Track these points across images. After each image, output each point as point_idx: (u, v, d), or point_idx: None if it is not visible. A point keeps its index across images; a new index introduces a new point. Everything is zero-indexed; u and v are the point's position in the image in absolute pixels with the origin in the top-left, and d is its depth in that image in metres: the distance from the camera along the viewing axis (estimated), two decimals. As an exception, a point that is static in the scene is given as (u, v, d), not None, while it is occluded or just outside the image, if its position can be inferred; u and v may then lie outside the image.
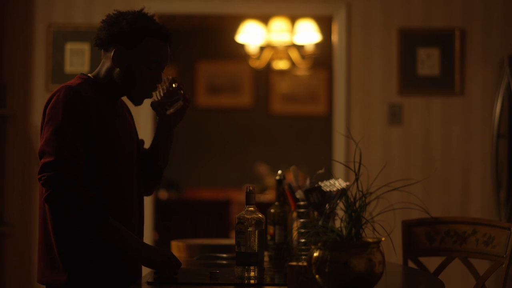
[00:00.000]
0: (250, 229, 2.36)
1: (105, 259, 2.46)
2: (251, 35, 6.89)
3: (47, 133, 2.40)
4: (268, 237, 2.91)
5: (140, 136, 2.83)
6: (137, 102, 2.56)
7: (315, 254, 1.95)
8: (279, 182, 2.95)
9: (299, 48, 7.19)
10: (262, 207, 3.35)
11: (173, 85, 2.59)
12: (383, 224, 2.15)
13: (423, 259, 3.05)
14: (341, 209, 2.00)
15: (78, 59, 4.92)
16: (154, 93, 2.58)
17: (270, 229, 2.91)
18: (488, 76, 5.02)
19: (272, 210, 2.93)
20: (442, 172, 5.02)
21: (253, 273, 2.36)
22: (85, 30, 4.95)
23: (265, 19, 6.97)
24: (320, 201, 2.76)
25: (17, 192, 5.01)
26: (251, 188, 2.42)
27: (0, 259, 4.99)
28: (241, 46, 7.18)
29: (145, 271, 2.59)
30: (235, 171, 9.21)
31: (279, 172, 2.98)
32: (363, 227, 1.97)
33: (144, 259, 2.42)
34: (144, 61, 2.51)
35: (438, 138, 5.05)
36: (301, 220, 2.79)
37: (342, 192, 2.00)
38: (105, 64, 2.55)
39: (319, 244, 1.94)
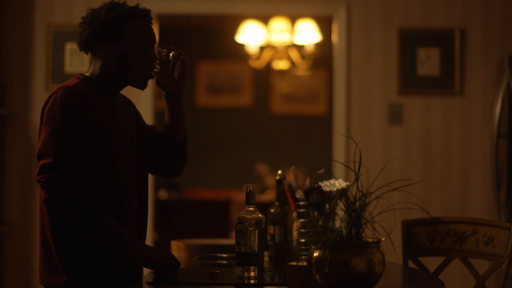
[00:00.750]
0: (250, 229, 2.36)
1: (105, 260, 2.46)
2: (251, 35, 6.90)
3: (45, 135, 2.40)
4: (268, 237, 2.91)
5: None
6: (141, 85, 2.57)
7: (315, 254, 1.95)
8: (279, 182, 2.95)
9: (299, 48, 7.19)
10: (262, 207, 3.35)
11: (163, 53, 2.59)
12: (383, 224, 2.15)
13: (423, 259, 3.05)
14: (341, 209, 2.00)
15: (78, 59, 4.92)
16: (154, 71, 2.59)
17: (270, 229, 2.91)
18: (488, 76, 5.02)
19: (272, 210, 2.93)
20: (442, 172, 5.02)
21: (253, 273, 2.36)
22: (85, 30, 4.95)
23: (265, 19, 6.97)
24: (320, 201, 2.75)
25: (17, 192, 5.01)
26: (251, 188, 2.42)
27: (0, 259, 4.99)
28: (241, 46, 7.18)
29: (145, 271, 2.59)
30: (235, 171, 9.21)
31: (279, 172, 2.98)
32: (363, 227, 1.97)
33: (144, 260, 2.41)
34: (135, 44, 2.51)
35: (438, 138, 5.05)
36: (301, 220, 2.79)
37: (342, 192, 2.00)
38: (97, 62, 2.56)
39: (319, 244, 1.94)
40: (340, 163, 4.92)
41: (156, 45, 2.60)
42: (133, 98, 2.93)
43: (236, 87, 9.40)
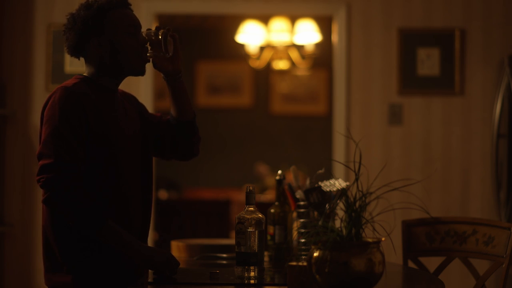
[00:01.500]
0: (250, 229, 2.36)
1: (109, 258, 2.46)
2: (251, 35, 6.89)
3: (44, 135, 2.41)
4: (268, 237, 2.91)
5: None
6: (139, 71, 2.57)
7: (315, 254, 1.95)
8: (279, 182, 2.95)
9: (299, 48, 7.19)
10: (262, 207, 3.35)
11: (152, 33, 2.58)
12: (383, 224, 2.15)
13: (423, 259, 3.05)
14: (341, 209, 2.00)
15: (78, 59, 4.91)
16: (148, 54, 2.59)
17: (270, 229, 2.91)
18: (488, 76, 5.02)
19: (272, 210, 2.93)
20: (442, 172, 5.02)
21: (253, 273, 2.36)
22: (85, 30, 4.95)
23: (265, 19, 6.96)
24: (320, 201, 2.75)
25: (17, 192, 5.01)
26: (251, 188, 2.42)
27: (0, 259, 4.99)
28: (241, 46, 7.18)
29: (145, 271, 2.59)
30: (235, 171, 9.21)
31: (279, 172, 2.98)
32: (363, 227, 1.97)
33: (144, 260, 2.41)
34: (122, 32, 2.53)
35: (438, 138, 5.05)
36: (301, 220, 2.79)
37: (342, 192, 2.00)
38: (91, 63, 2.57)
39: (319, 244, 1.94)
40: (340, 163, 4.92)
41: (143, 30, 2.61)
42: (133, 98, 2.93)
43: (236, 87, 9.40)
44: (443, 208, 4.99)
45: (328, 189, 2.74)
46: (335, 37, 5.17)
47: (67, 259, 2.45)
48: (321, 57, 7.67)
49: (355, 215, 1.96)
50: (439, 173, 5.00)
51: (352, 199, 1.97)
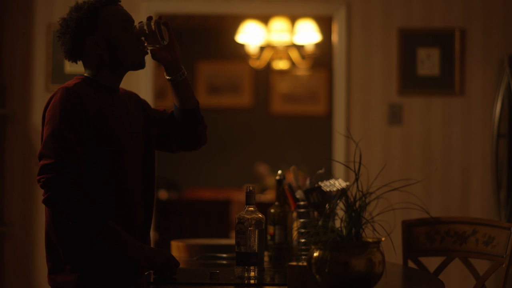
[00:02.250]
0: (250, 229, 2.36)
1: (113, 256, 2.45)
2: (251, 35, 6.89)
3: (45, 136, 2.41)
4: (268, 237, 2.91)
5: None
6: (139, 64, 2.57)
7: (315, 254, 1.95)
8: (279, 182, 2.95)
9: (299, 48, 7.19)
10: (262, 207, 3.35)
11: (144, 26, 2.58)
12: (383, 224, 2.15)
13: (423, 259, 3.05)
14: (341, 209, 2.00)
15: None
16: (145, 46, 2.59)
17: (270, 229, 2.91)
18: (488, 76, 5.02)
19: (272, 210, 2.93)
20: (442, 172, 5.02)
21: (253, 273, 2.36)
22: (85, 30, 4.95)
23: (265, 19, 6.97)
24: (320, 201, 2.75)
25: (17, 192, 5.01)
26: (251, 188, 2.42)
27: (0, 259, 4.99)
28: (241, 46, 7.18)
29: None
30: (235, 171, 9.21)
31: (279, 172, 2.98)
32: (363, 227, 1.97)
33: (143, 260, 2.41)
34: (115, 27, 2.54)
35: (438, 138, 5.05)
36: (301, 220, 2.79)
37: (342, 192, 2.00)
38: (89, 63, 2.57)
39: (319, 244, 1.94)
40: (340, 163, 4.92)
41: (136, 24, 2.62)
42: (133, 98, 2.93)
43: (236, 87, 9.40)
44: (443, 208, 4.99)
45: (328, 189, 2.74)
46: (335, 37, 5.17)
47: (71, 258, 2.45)
48: (321, 57, 7.67)
49: (355, 215, 1.96)
50: (439, 173, 5.00)
51: (352, 199, 1.97)
